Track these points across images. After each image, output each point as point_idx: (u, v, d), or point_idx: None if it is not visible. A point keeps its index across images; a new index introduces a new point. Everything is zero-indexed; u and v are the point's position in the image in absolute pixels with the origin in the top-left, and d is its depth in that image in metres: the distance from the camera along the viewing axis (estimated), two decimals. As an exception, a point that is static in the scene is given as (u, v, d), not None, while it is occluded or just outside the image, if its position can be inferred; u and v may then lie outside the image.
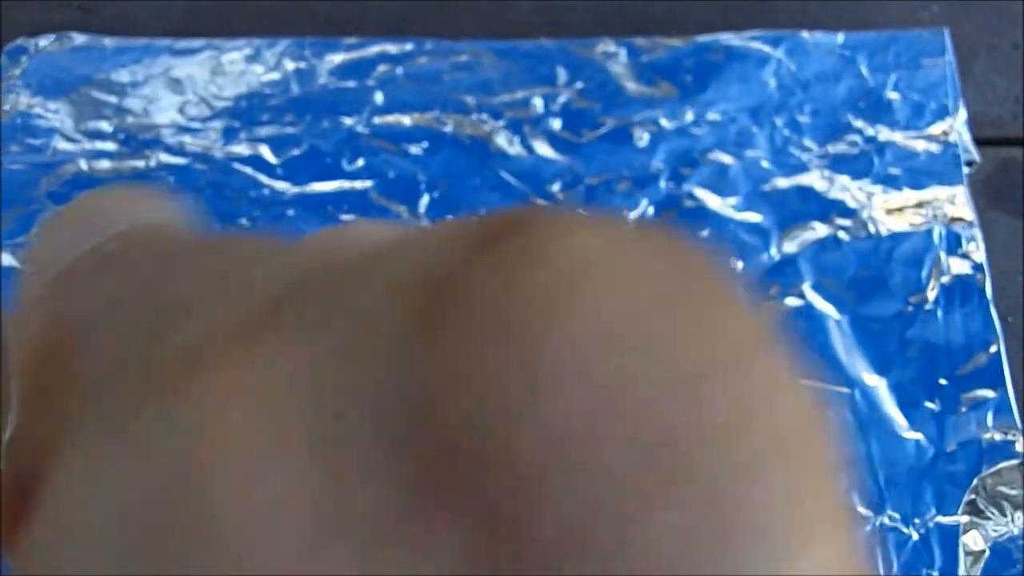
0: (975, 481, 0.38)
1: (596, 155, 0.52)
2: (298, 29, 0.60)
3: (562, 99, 0.55)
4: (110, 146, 0.54)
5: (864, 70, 0.55)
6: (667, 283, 0.10)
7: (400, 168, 0.52)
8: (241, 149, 0.53)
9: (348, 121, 0.54)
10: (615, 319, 0.09)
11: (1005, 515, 0.37)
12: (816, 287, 0.46)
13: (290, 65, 0.58)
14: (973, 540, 0.37)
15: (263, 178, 0.52)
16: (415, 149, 0.53)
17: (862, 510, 0.38)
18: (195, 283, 0.11)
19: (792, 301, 0.45)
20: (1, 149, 0.53)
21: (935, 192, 0.49)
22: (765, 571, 0.08)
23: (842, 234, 0.48)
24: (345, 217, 0.50)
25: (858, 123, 0.53)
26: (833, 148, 0.52)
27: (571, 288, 0.09)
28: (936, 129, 0.52)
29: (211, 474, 0.09)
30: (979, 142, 0.52)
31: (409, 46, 0.58)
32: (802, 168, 0.51)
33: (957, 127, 0.52)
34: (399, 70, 0.57)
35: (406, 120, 0.54)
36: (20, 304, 0.13)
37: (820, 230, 0.48)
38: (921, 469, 0.39)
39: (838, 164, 0.51)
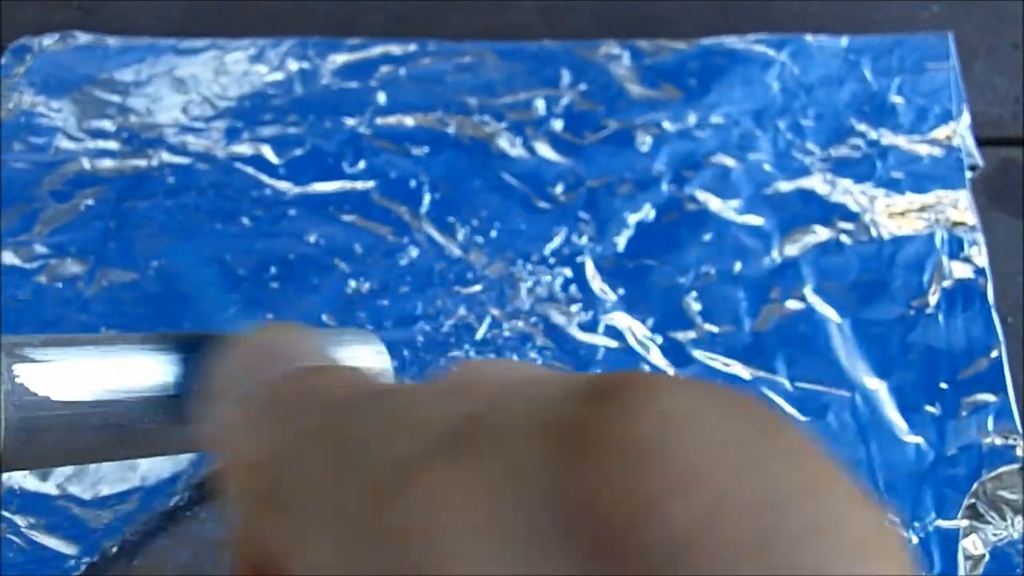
0: (975, 485, 0.38)
1: (598, 157, 0.52)
2: (298, 29, 0.60)
3: (565, 101, 0.55)
4: (113, 145, 0.54)
5: (868, 74, 0.55)
6: (747, 426, 0.13)
7: (402, 169, 0.52)
8: (243, 149, 0.53)
9: (350, 122, 0.54)
10: (711, 450, 0.12)
11: (1005, 519, 0.37)
12: (818, 290, 0.45)
13: (293, 65, 0.58)
14: (973, 544, 0.36)
15: (265, 178, 0.52)
16: (417, 150, 0.53)
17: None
18: (377, 421, 0.15)
19: (793, 304, 0.45)
20: (4, 147, 0.53)
21: (938, 196, 0.49)
22: None
23: (844, 237, 0.48)
24: (347, 218, 0.50)
25: (861, 127, 0.53)
26: (836, 151, 0.51)
27: (673, 431, 0.12)
28: (939, 133, 0.52)
29: (434, 558, 0.12)
30: (979, 142, 0.52)
31: (412, 47, 0.58)
32: (804, 171, 0.51)
33: (960, 131, 0.52)
34: (402, 71, 0.57)
35: (408, 121, 0.54)
36: (226, 418, 0.17)
37: (822, 233, 0.48)
38: (921, 473, 0.39)
39: (841, 167, 0.51)
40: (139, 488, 0.39)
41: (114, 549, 0.38)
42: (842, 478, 0.13)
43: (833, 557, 0.12)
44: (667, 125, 0.53)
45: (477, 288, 0.46)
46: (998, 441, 0.39)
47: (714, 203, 0.49)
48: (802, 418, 0.41)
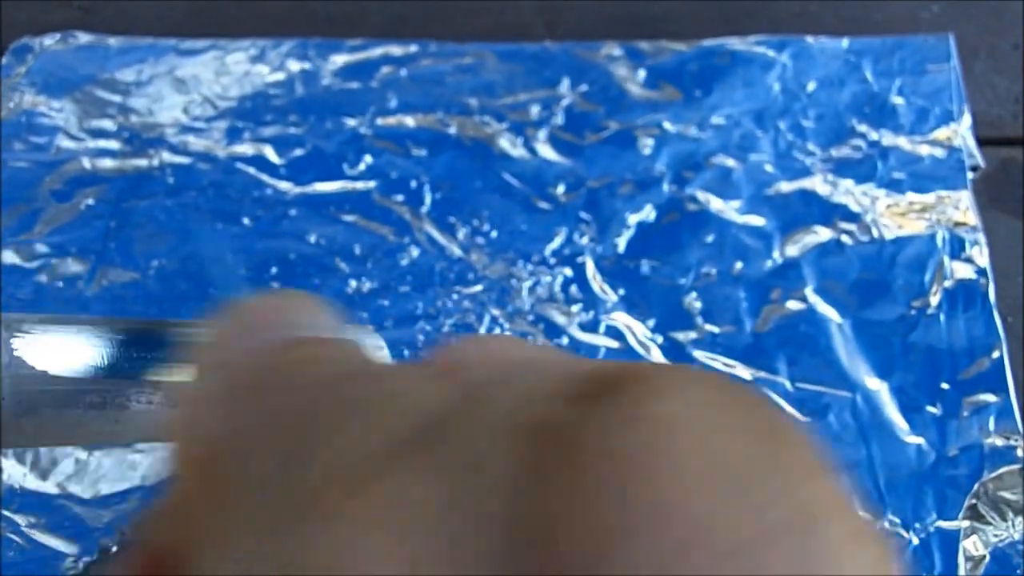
0: (976, 486, 0.38)
1: (599, 158, 0.52)
2: (298, 29, 0.60)
3: (565, 102, 0.55)
4: (113, 145, 0.54)
5: (869, 75, 0.55)
6: (749, 439, 0.11)
7: (403, 169, 0.52)
8: (244, 149, 0.53)
9: (351, 122, 0.54)
10: (698, 471, 0.11)
11: (1006, 520, 0.37)
12: (819, 291, 0.45)
13: (294, 66, 0.58)
14: (973, 545, 0.36)
15: (266, 178, 0.52)
16: (418, 150, 0.53)
17: (862, 514, 0.38)
18: (338, 413, 0.13)
19: (794, 304, 0.45)
20: (4, 147, 0.53)
21: (939, 197, 0.49)
22: None
23: (845, 238, 0.48)
24: (347, 218, 0.50)
25: (862, 128, 0.53)
26: (837, 152, 0.51)
27: (658, 446, 0.11)
28: (940, 134, 0.52)
29: None
30: (979, 142, 0.52)
31: (413, 48, 0.58)
32: (805, 172, 0.51)
33: (962, 132, 0.52)
34: (403, 72, 0.57)
35: (409, 121, 0.54)
36: (190, 400, 0.16)
37: (823, 234, 0.48)
38: (922, 473, 0.39)
39: (842, 168, 0.51)
40: (139, 487, 0.39)
41: (114, 549, 0.38)
42: (844, 506, 0.11)
43: None
44: (668, 126, 0.53)
45: (478, 288, 0.46)
46: (999, 442, 0.39)
47: (715, 203, 0.49)
48: (803, 418, 0.41)
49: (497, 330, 0.45)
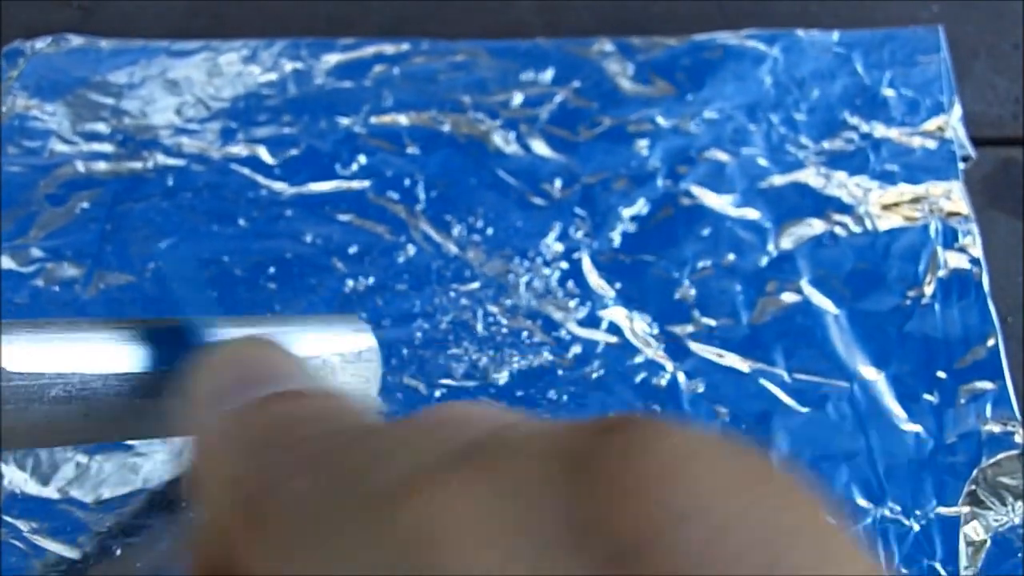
0: (975, 472, 0.38)
1: (593, 154, 0.52)
2: (298, 29, 0.60)
3: (558, 98, 0.55)
4: (107, 148, 0.54)
5: (859, 68, 0.55)
6: (745, 467, 0.13)
7: (397, 168, 0.52)
8: (238, 150, 0.53)
9: (345, 121, 0.54)
10: (713, 485, 0.12)
11: (1006, 505, 0.37)
12: (814, 282, 0.46)
13: (287, 66, 0.58)
14: (974, 530, 0.37)
15: (261, 179, 0.52)
16: (412, 149, 0.53)
17: (862, 502, 0.38)
18: (376, 448, 0.15)
19: (790, 297, 0.45)
20: (-1, 151, 0.53)
21: (931, 187, 0.49)
22: None
23: (839, 230, 0.48)
24: (343, 217, 0.50)
25: (854, 120, 0.53)
26: (829, 145, 0.52)
27: (678, 463, 0.13)
28: (931, 125, 0.52)
29: (439, 556, 0.12)
30: (979, 142, 0.52)
31: (406, 46, 0.58)
32: (798, 165, 0.51)
33: (952, 123, 0.52)
34: (396, 70, 0.57)
35: (403, 120, 0.54)
36: (201, 432, 0.17)
37: (817, 226, 0.48)
38: (921, 461, 0.39)
39: (834, 161, 0.51)
40: (141, 491, 0.39)
41: (115, 550, 0.38)
42: (837, 526, 0.13)
43: None
44: (661, 121, 0.53)
45: (475, 285, 0.47)
46: (997, 428, 0.40)
47: (709, 198, 0.50)
48: (801, 409, 0.41)
49: (495, 327, 0.45)
